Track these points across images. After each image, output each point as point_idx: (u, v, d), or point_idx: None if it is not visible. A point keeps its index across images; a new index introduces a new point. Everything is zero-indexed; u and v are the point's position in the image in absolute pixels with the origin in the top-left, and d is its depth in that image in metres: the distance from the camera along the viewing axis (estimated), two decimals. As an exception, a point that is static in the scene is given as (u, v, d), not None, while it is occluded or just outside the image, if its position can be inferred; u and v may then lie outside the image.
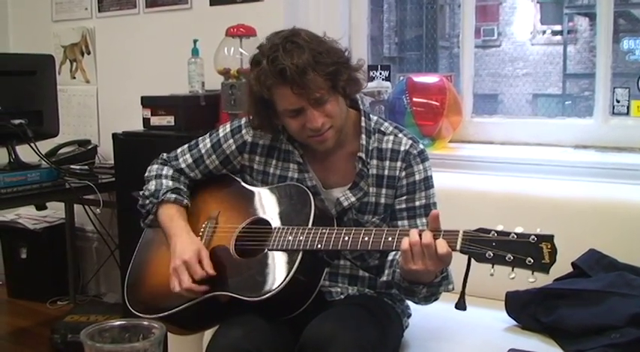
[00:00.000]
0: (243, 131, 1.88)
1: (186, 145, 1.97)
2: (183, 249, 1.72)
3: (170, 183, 1.89)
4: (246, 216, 1.80)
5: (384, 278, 1.75)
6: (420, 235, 1.49)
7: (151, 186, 1.90)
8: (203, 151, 1.92)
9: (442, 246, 1.47)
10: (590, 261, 1.99)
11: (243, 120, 1.89)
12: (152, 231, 1.93)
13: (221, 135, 1.91)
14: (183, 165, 1.93)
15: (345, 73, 1.69)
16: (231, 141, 1.88)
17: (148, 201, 1.88)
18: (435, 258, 1.47)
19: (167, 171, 1.93)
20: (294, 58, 1.60)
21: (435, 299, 1.70)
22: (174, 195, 1.86)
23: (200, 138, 1.95)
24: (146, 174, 1.95)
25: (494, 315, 2.02)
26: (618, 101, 2.46)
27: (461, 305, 1.53)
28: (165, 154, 1.99)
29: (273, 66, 1.62)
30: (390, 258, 1.76)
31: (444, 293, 1.70)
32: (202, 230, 1.83)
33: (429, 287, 1.63)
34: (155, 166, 1.95)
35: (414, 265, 1.50)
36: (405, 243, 1.50)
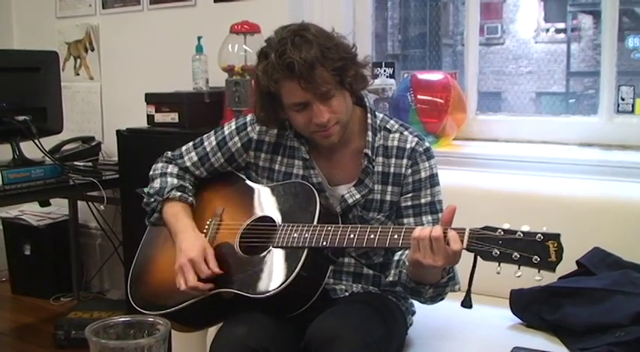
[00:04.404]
0: (249, 128, 1.88)
1: (190, 143, 1.96)
2: (189, 247, 1.72)
3: (175, 181, 1.88)
4: (250, 214, 1.80)
5: (390, 278, 1.75)
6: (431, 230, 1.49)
7: (156, 184, 1.90)
8: (208, 149, 1.91)
9: (455, 240, 1.46)
10: (594, 260, 1.99)
11: (249, 118, 1.89)
12: (156, 228, 1.93)
13: (226, 132, 1.90)
14: (188, 163, 1.93)
15: (352, 69, 1.69)
16: (236, 138, 1.88)
17: (152, 199, 1.88)
18: (444, 251, 1.47)
19: (172, 169, 1.92)
20: (302, 53, 1.60)
21: (441, 299, 1.70)
22: (179, 193, 1.86)
23: (205, 135, 1.95)
24: (150, 173, 1.95)
25: (498, 313, 2.02)
26: (623, 99, 2.45)
27: (467, 303, 1.54)
28: (169, 153, 1.99)
29: (281, 60, 1.62)
30: (396, 258, 1.75)
31: (449, 292, 1.70)
32: (207, 227, 1.83)
33: (436, 288, 1.64)
34: (160, 165, 1.95)
35: (422, 257, 1.49)
36: (416, 231, 1.50)
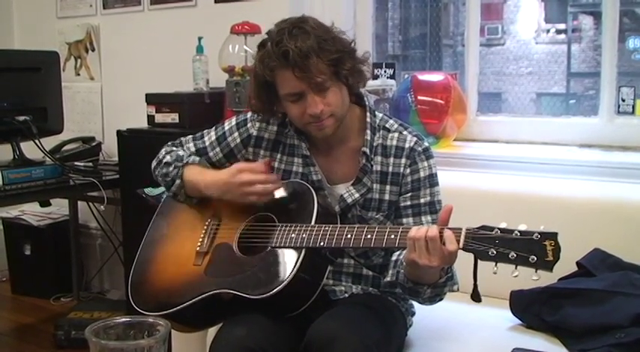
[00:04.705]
0: (249, 124, 1.88)
1: (190, 136, 1.98)
2: (232, 167, 1.78)
3: (187, 152, 1.90)
4: (249, 214, 1.80)
5: (388, 278, 1.75)
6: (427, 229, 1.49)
7: (168, 157, 1.91)
8: (207, 143, 1.92)
9: (451, 240, 1.46)
10: (594, 261, 1.99)
11: (249, 115, 1.90)
12: (157, 228, 1.93)
13: (226, 128, 1.91)
14: (187, 153, 1.93)
15: (348, 62, 1.70)
16: (236, 134, 1.89)
17: (172, 168, 1.88)
18: (440, 252, 1.47)
19: (177, 148, 1.95)
20: (298, 42, 1.62)
21: (440, 300, 1.70)
22: (198, 158, 1.88)
23: (206, 130, 1.96)
24: (155, 161, 1.96)
25: (498, 314, 2.02)
26: (624, 100, 2.45)
27: (476, 297, 1.54)
28: (170, 142, 2.00)
29: (277, 48, 1.64)
30: (394, 258, 1.75)
31: (448, 293, 1.69)
32: (205, 228, 1.83)
33: (434, 288, 1.63)
34: (164, 150, 1.97)
35: (417, 257, 1.49)
36: (412, 231, 1.50)
